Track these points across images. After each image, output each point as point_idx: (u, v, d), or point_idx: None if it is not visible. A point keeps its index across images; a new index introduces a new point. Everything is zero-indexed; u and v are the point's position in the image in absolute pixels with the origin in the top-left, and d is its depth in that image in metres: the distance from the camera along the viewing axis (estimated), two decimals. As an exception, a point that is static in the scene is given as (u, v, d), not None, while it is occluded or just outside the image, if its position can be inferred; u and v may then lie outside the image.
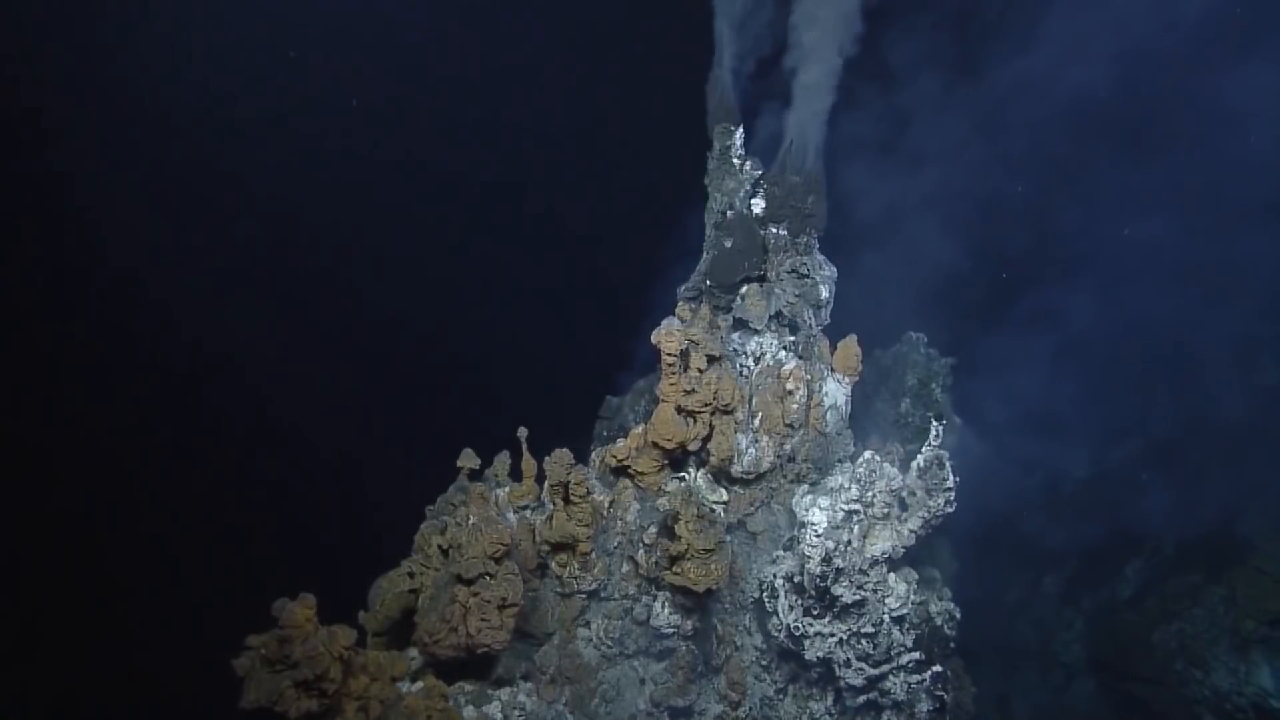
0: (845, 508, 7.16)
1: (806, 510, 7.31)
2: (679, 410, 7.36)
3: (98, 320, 19.42)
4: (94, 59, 18.53)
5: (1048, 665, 13.07)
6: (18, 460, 18.01)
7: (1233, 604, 10.96)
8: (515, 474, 7.78)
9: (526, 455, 7.52)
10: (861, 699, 7.51)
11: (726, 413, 7.38)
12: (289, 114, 19.19)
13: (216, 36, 18.62)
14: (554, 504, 7.29)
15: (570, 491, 7.10)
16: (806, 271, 7.80)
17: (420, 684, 6.80)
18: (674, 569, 7.06)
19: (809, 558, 7.07)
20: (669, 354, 7.09)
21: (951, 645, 7.74)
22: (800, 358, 7.72)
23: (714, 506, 7.70)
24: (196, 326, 19.65)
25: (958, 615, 7.85)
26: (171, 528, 18.21)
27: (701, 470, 7.78)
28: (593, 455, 8.09)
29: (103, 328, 19.31)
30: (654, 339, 7.17)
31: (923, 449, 7.24)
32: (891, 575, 7.30)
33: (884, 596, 7.23)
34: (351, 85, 19.05)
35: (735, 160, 7.87)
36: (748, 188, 7.93)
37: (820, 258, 7.97)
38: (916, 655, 7.35)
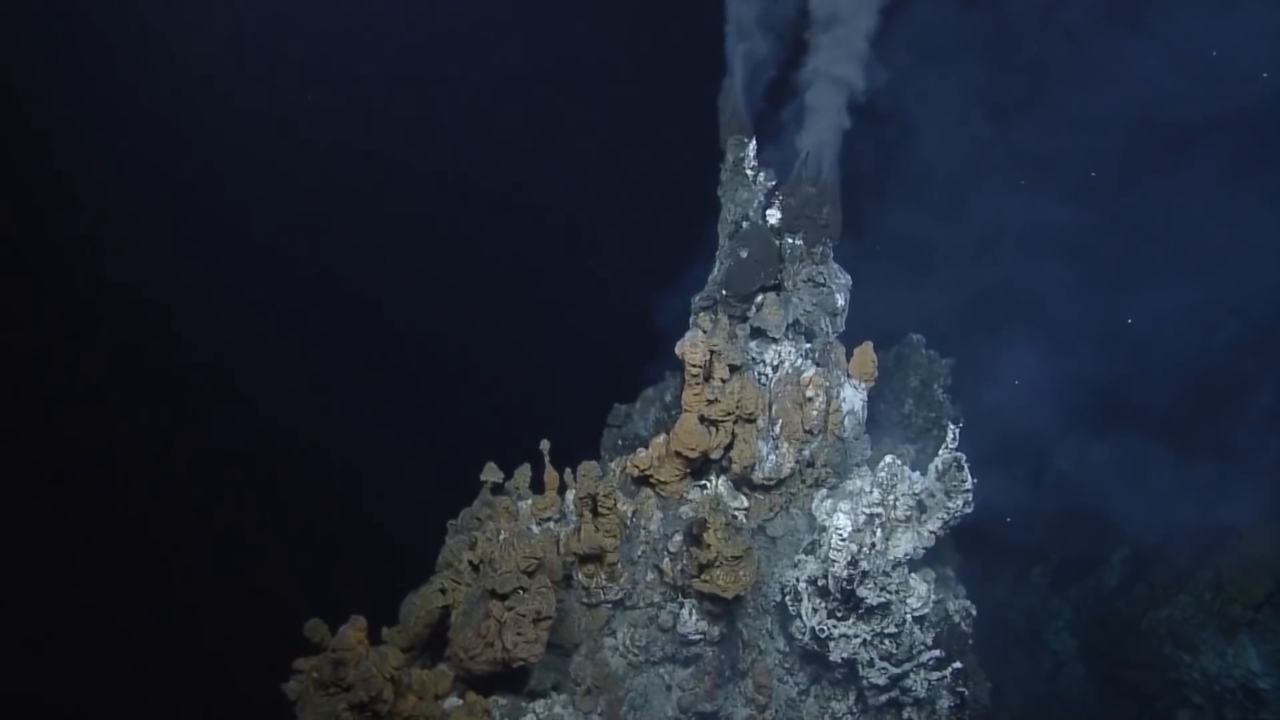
0: (867, 511, 7.32)
1: (829, 514, 7.47)
2: (701, 419, 7.47)
3: (111, 334, 19.11)
4: (92, 58, 18.17)
5: (1038, 653, 13.39)
6: (19, 467, 17.69)
7: (1219, 589, 11.30)
8: (535, 486, 7.85)
9: (549, 467, 7.58)
10: (884, 698, 7.69)
11: (748, 421, 7.50)
12: (297, 119, 18.96)
13: (218, 37, 18.32)
14: (580, 516, 7.35)
15: (599, 503, 7.18)
16: (823, 280, 7.96)
17: (455, 699, 6.85)
18: (703, 577, 7.17)
19: (834, 561, 7.21)
20: (693, 365, 7.20)
21: (969, 642, 7.97)
22: (818, 365, 7.88)
23: (735, 513, 7.83)
24: (202, 338, 19.38)
25: (974, 612, 8.09)
26: (181, 546, 17.97)
27: (722, 478, 7.90)
28: (611, 464, 8.17)
29: (118, 342, 19.04)
30: (678, 351, 7.27)
31: (940, 451, 7.42)
32: (913, 576, 7.48)
33: (906, 597, 7.40)
34: (361, 88, 18.88)
35: (748, 171, 7.99)
36: (761, 198, 8.07)
37: (835, 266, 8.14)
38: (937, 653, 7.54)
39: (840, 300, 8.07)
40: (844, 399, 7.86)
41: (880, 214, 11.92)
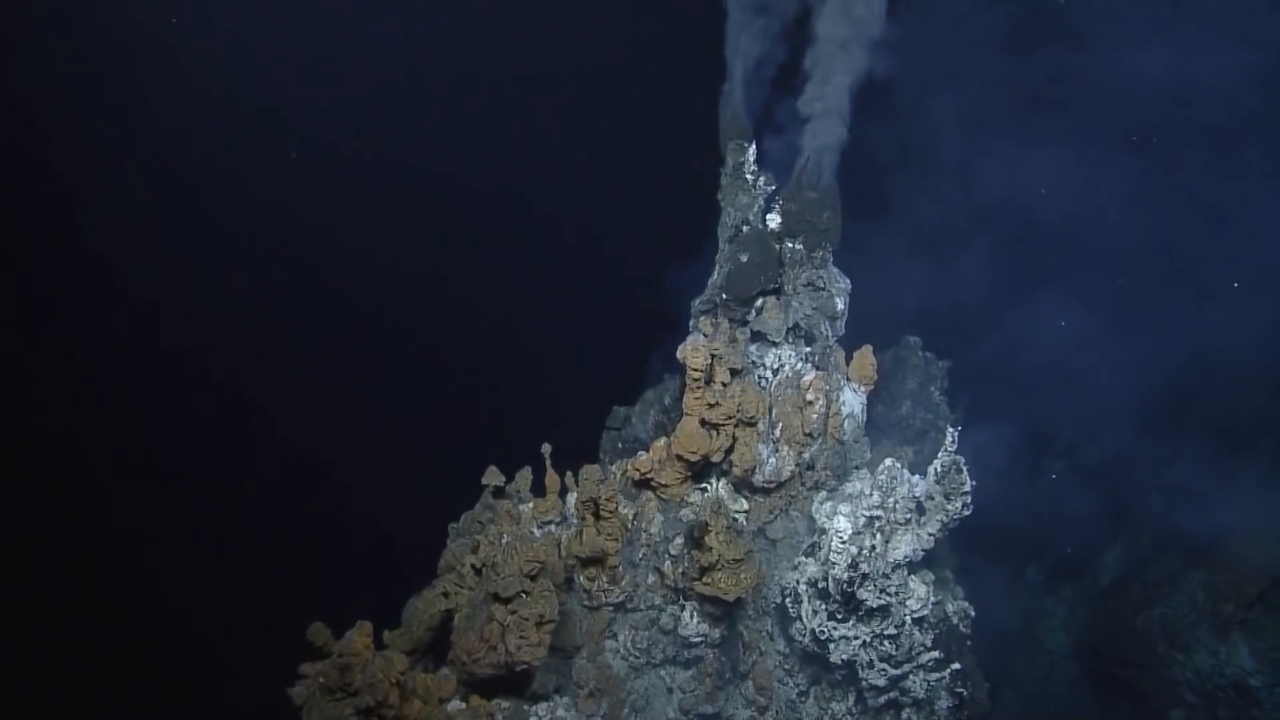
0: (867, 514, 7.37)
1: (830, 517, 7.52)
2: (702, 423, 7.50)
3: (120, 337, 19.06)
4: (89, 58, 18.11)
5: (1033, 652, 13.48)
6: (20, 468, 17.65)
7: (1212, 588, 11.43)
8: (536, 489, 7.88)
9: (550, 471, 7.61)
10: (883, 699, 7.76)
11: (749, 424, 7.54)
12: (298, 119, 18.93)
13: (219, 37, 18.28)
14: (582, 519, 7.38)
15: (601, 507, 7.21)
16: (822, 284, 8.00)
17: (458, 702, 6.88)
18: (704, 579, 7.21)
19: (834, 563, 7.26)
20: (695, 368, 7.23)
21: (968, 643, 8.03)
22: (818, 368, 7.92)
23: (736, 516, 7.88)
24: (200, 341, 19.35)
25: (972, 613, 8.16)
26: (181, 549, 17.92)
27: (723, 481, 7.94)
28: (612, 468, 8.19)
29: (124, 343, 18.98)
30: (679, 354, 7.30)
31: (939, 454, 7.46)
32: (912, 578, 7.53)
33: (905, 599, 7.46)
34: (364, 89, 18.88)
35: (748, 176, 8.03)
36: (761, 203, 8.11)
37: (835, 270, 8.18)
38: (936, 654, 7.60)
39: (840, 304, 8.12)
40: (844, 402, 7.91)
41: (896, 197, 11.91)
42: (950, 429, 7.44)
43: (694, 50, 8.73)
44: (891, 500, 7.41)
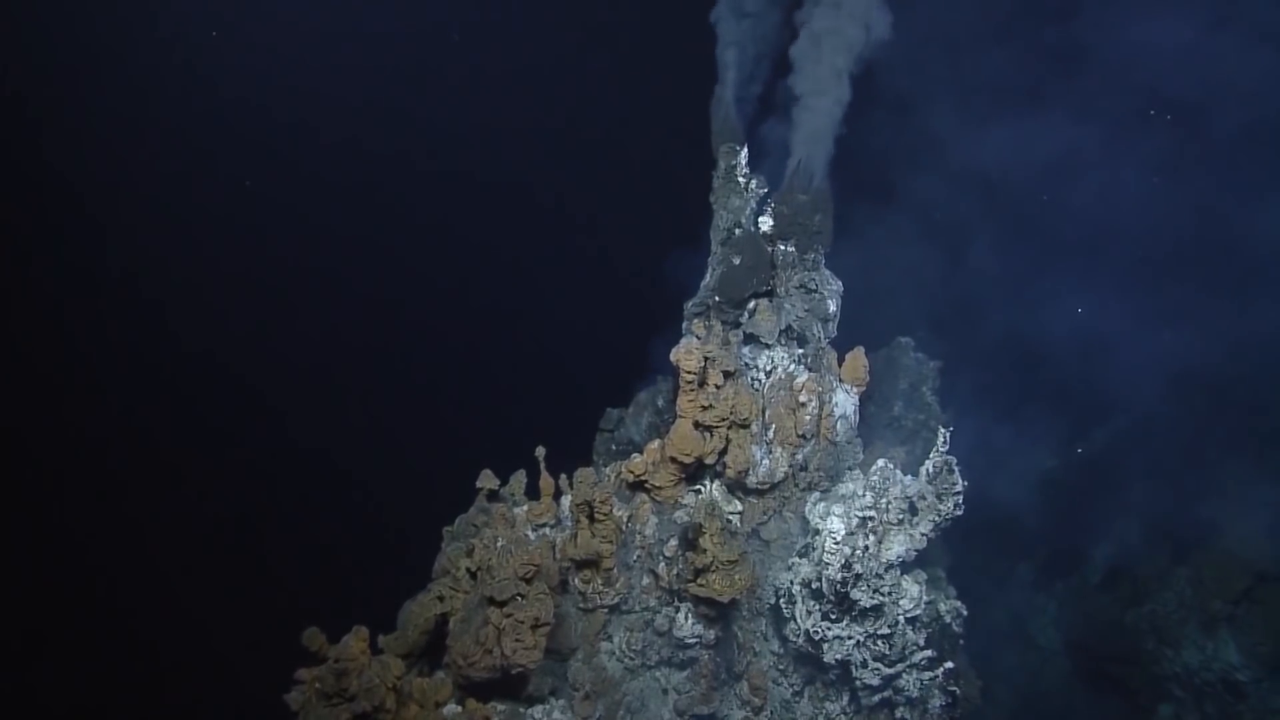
0: (860, 514, 7.42)
1: (823, 518, 7.56)
2: (696, 425, 7.54)
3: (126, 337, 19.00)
4: (91, 57, 18.04)
5: (1024, 649, 13.57)
6: (19, 467, 17.58)
7: (1199, 585, 11.55)
8: (530, 491, 7.90)
9: (545, 474, 7.64)
10: (877, 698, 7.79)
11: (742, 426, 7.58)
12: (296, 116, 18.91)
13: (219, 35, 18.25)
14: (578, 522, 7.40)
15: (595, 509, 7.23)
16: (814, 286, 8.05)
17: (454, 706, 6.89)
18: (698, 581, 7.24)
19: (828, 564, 7.31)
20: (688, 371, 7.26)
21: (961, 641, 8.09)
22: (810, 370, 7.97)
23: (730, 517, 7.91)
24: (199, 342, 19.29)
25: (964, 612, 8.22)
26: (176, 553, 17.86)
27: (717, 482, 7.98)
28: (606, 470, 8.22)
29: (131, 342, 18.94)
30: (673, 357, 7.33)
31: (931, 454, 7.52)
32: (905, 578, 7.58)
33: (898, 599, 7.51)
34: (363, 87, 18.89)
35: (740, 179, 8.08)
36: (754, 205, 8.16)
37: (827, 272, 8.24)
38: (929, 653, 7.65)
39: (832, 306, 8.17)
40: (836, 403, 7.96)
41: (898, 185, 11.94)
42: (942, 429, 7.50)
43: (691, 49, 8.71)
44: (884, 501, 7.47)
